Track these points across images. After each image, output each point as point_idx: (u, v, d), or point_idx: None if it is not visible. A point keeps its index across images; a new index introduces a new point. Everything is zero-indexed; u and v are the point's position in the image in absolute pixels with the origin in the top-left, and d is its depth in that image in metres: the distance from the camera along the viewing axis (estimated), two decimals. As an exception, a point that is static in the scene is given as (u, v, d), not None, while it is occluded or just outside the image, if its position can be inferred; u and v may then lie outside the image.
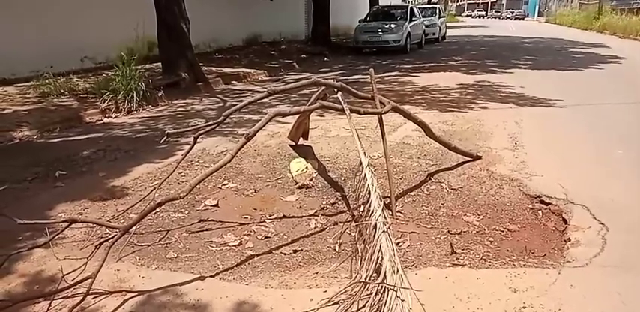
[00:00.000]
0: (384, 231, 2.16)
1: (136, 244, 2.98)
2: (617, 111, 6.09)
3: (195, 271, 2.63)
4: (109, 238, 2.31)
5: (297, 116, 4.44)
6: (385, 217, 2.26)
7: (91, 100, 7.52)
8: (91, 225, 2.96)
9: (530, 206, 3.47)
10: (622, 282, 2.37)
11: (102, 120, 6.86)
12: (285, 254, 2.89)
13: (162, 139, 2.88)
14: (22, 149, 5.31)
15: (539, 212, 3.40)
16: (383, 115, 3.72)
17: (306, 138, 4.91)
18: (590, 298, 2.25)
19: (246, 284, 2.47)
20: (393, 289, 1.90)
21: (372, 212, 2.27)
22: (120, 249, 2.83)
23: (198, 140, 4.50)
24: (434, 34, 18.36)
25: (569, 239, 2.96)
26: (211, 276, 2.56)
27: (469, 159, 4.21)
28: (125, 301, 2.28)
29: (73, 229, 3.02)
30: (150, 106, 7.67)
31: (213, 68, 11.47)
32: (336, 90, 3.52)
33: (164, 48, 9.29)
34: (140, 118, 6.86)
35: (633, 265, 2.53)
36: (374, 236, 2.17)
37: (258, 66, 11.80)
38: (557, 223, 3.25)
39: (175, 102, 8.04)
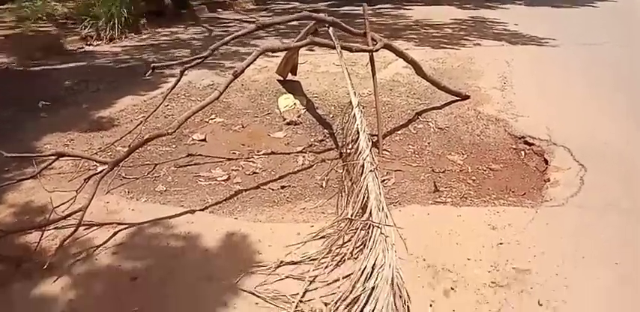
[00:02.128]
0: (371, 170, 2.20)
1: (124, 177, 3.00)
2: (610, 51, 6.01)
3: (184, 204, 2.69)
4: (98, 173, 2.32)
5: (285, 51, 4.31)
6: (373, 158, 2.28)
7: (71, 27, 7.18)
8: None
9: (514, 146, 3.54)
10: (595, 220, 2.50)
11: (83, 48, 6.61)
12: (272, 190, 2.95)
13: (148, 72, 2.80)
14: (1, 77, 5.14)
15: (522, 152, 3.47)
16: (374, 52, 3.63)
17: (294, 73, 4.81)
18: (564, 236, 2.37)
19: (235, 218, 2.54)
20: (378, 226, 1.97)
21: (360, 152, 2.30)
22: (108, 182, 2.86)
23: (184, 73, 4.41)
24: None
25: (548, 179, 3.05)
26: (201, 210, 2.62)
27: (458, 98, 4.20)
28: (116, 233, 2.35)
29: (60, 161, 3.01)
30: (132, 34, 7.36)
31: (199, -6, 10.91)
32: (327, 25, 3.38)
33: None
34: (123, 46, 6.61)
35: (607, 206, 2.65)
36: (361, 175, 2.21)
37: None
38: (539, 164, 3.33)
39: (159, 30, 7.72)
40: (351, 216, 2.16)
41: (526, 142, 3.53)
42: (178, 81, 3.07)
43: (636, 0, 11.13)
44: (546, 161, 3.30)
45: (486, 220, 2.49)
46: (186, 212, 2.56)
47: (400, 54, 3.72)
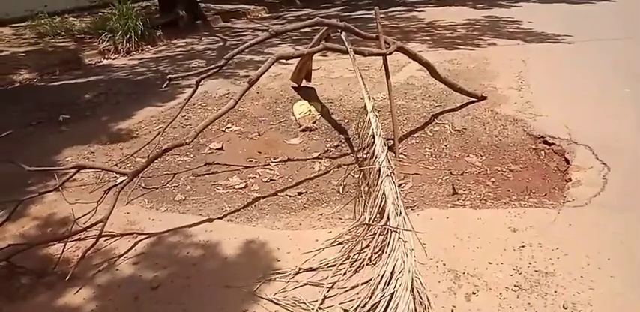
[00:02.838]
0: (387, 175, 2.19)
1: (143, 188, 3.04)
2: (627, 47, 5.89)
3: (203, 213, 2.71)
4: (118, 184, 2.35)
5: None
6: (389, 162, 2.27)
7: (89, 41, 7.35)
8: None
9: (533, 147, 3.48)
10: (619, 222, 2.43)
11: (101, 61, 6.75)
12: (290, 197, 2.95)
13: (165, 84, 2.84)
14: (23, 93, 5.28)
15: (542, 152, 3.41)
16: (387, 56, 3.62)
17: (309, 79, 4.83)
18: (588, 237, 2.32)
19: (253, 226, 2.55)
20: (396, 231, 1.96)
21: (376, 157, 2.29)
22: (128, 192, 2.90)
23: (201, 83, 4.46)
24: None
25: (570, 179, 2.99)
26: (219, 218, 2.64)
27: (474, 99, 4.15)
28: (137, 242, 2.38)
29: (81, 173, 3.07)
30: (149, 46, 7.50)
31: (212, 5, 11.04)
32: (339, 30, 3.39)
33: (160, -14, 8.92)
34: (140, 59, 6.72)
35: (631, 206, 2.58)
36: (378, 180, 2.20)
37: (257, 2, 11.31)
38: (560, 164, 3.27)
39: (174, 42, 7.84)
40: (369, 221, 2.15)
41: (545, 142, 3.47)
42: (195, 91, 3.11)
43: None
44: (567, 161, 3.24)
45: (507, 223, 2.45)
46: (204, 221, 2.58)
47: (414, 56, 3.71)
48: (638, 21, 7.70)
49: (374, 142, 2.41)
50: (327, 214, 2.66)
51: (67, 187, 2.95)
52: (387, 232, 1.99)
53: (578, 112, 3.84)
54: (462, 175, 3.24)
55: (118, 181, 2.90)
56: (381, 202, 2.14)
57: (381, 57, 3.57)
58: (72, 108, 4.50)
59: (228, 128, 4.11)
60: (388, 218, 2.03)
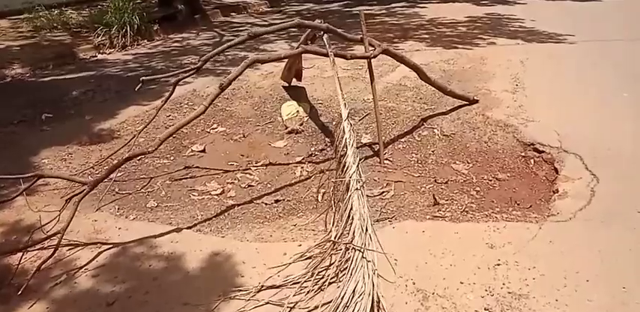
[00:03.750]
0: (357, 188, 2.09)
1: (117, 192, 2.97)
2: (631, 49, 5.72)
3: (173, 222, 2.63)
4: (78, 194, 2.27)
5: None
6: (360, 175, 2.18)
7: (85, 35, 7.27)
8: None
9: (523, 154, 3.37)
10: (603, 238, 2.33)
11: (96, 56, 6.67)
12: (266, 204, 2.87)
13: (138, 86, 2.75)
14: (12, 88, 5.21)
15: (531, 161, 3.30)
16: (378, 56, 3.51)
17: (299, 79, 4.72)
18: (568, 255, 2.22)
19: (222, 237, 2.47)
20: (360, 250, 1.87)
21: (347, 168, 2.19)
22: (100, 198, 2.83)
23: (188, 80, 4.37)
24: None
25: (557, 190, 2.88)
26: (188, 227, 2.56)
27: (465, 103, 4.03)
28: (100, 253, 2.31)
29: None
30: (145, 40, 7.40)
31: (212, -1, 10.93)
32: (321, 32, 3.28)
33: (158, -22, 8.80)
34: (134, 54, 6.64)
35: (616, 221, 2.47)
36: (347, 193, 2.10)
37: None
38: (549, 173, 3.16)
39: (171, 36, 7.74)
40: (335, 238, 2.06)
41: (535, 150, 3.36)
42: (172, 93, 3.04)
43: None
44: (556, 170, 3.12)
45: (485, 238, 2.35)
46: (172, 231, 2.50)
47: (401, 59, 3.59)
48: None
49: (346, 153, 2.31)
50: (301, 225, 2.58)
51: (39, 191, 2.88)
52: (352, 251, 1.91)
53: (573, 118, 3.71)
54: (446, 183, 3.14)
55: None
56: (348, 217, 2.05)
57: (366, 60, 3.44)
58: (57, 105, 4.42)
59: (213, 129, 4.02)
60: (353, 235, 1.94)
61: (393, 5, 9.54)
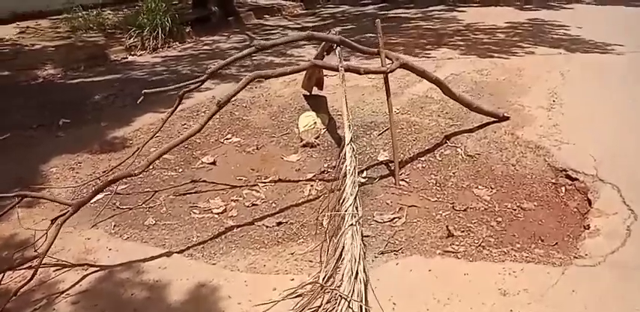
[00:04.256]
0: (351, 224, 1.90)
1: (118, 207, 2.88)
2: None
3: (166, 243, 2.51)
4: (62, 215, 2.18)
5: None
6: (356, 208, 1.98)
7: (118, 37, 7.33)
8: (72, 186, 2.86)
9: (553, 181, 3.08)
10: (634, 289, 2.05)
11: (127, 58, 6.70)
12: (267, 227, 2.72)
13: (139, 99, 2.65)
14: (40, 90, 5.26)
15: (562, 189, 3.01)
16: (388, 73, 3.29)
17: (320, 87, 4.55)
18: (593, 308, 1.95)
19: (213, 264, 2.33)
20: (346, 299, 1.68)
21: (344, 201, 2.00)
22: (99, 212, 2.74)
23: (208, 86, 4.24)
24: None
25: (588, 226, 2.60)
26: (180, 251, 2.44)
27: (494, 120, 3.75)
28: (85, 276, 2.21)
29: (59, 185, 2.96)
30: (177, 43, 7.40)
31: (249, 0, 10.89)
32: (334, 45, 3.09)
33: (193, -19, 8.82)
34: (163, 56, 6.63)
35: (655, 267, 2.18)
36: (340, 229, 1.92)
37: (296, -3, 11.03)
38: (581, 204, 2.87)
39: (203, 39, 7.71)
40: (324, 279, 1.88)
41: (568, 177, 3.07)
42: (177, 107, 2.94)
43: None
44: (590, 202, 2.83)
45: (498, 282, 2.11)
46: (163, 254, 2.38)
47: (422, 74, 3.36)
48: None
49: (345, 182, 2.12)
50: (299, 254, 2.41)
51: (40, 203, 2.82)
52: (338, 297, 1.72)
53: (613, 142, 3.37)
54: (465, 210, 2.90)
55: (93, 200, 2.74)
56: (340, 257, 1.86)
57: (382, 75, 3.22)
58: (78, 109, 4.42)
59: (227, 139, 3.91)
60: (342, 280, 1.76)
61: (431, 8, 9.23)
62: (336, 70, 2.90)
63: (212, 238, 2.58)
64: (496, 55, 5.67)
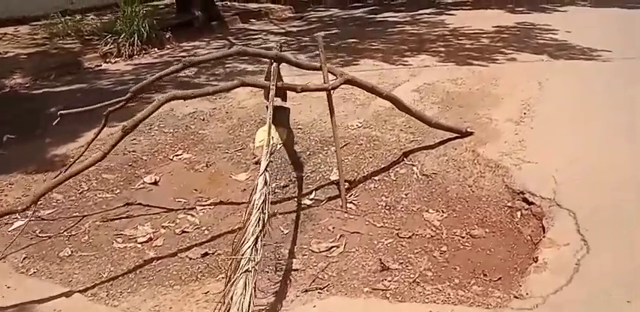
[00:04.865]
0: (246, 270, 1.70)
1: (37, 235, 2.70)
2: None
3: (74, 280, 2.33)
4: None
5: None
6: (255, 251, 1.77)
7: (95, 43, 7.17)
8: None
9: (509, 204, 2.86)
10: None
11: (101, 65, 6.55)
12: (190, 259, 2.53)
13: (55, 121, 2.48)
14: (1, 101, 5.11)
15: (518, 213, 2.79)
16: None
17: (284, 98, 4.34)
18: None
19: (115, 306, 2.14)
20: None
21: (244, 242, 1.79)
22: (12, 241, 2.56)
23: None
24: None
25: (536, 258, 2.37)
26: (84, 290, 2.25)
27: (457, 135, 3.53)
28: (-30, 320, 2.03)
29: None
30: (155, 49, 7.23)
31: (237, 3, 10.72)
32: (272, 60, 2.89)
33: (177, -15, 8.66)
34: (137, 64, 6.47)
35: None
36: (235, 274, 1.72)
37: (285, 0, 10.82)
38: (535, 232, 2.64)
39: (183, 44, 7.53)
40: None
41: (525, 200, 2.84)
42: (102, 128, 2.75)
43: None
44: (544, 229, 2.60)
45: (419, 329, 1.90)
46: (63, 294, 2.19)
47: (371, 90, 3.16)
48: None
49: (249, 218, 1.91)
50: (213, 294, 2.21)
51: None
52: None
53: (579, 161, 3.13)
54: (409, 238, 2.69)
55: (15, 225, 2.58)
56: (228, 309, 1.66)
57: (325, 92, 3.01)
58: (30, 123, 4.25)
59: (177, 156, 3.73)
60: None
61: (421, 12, 8.97)
62: (267, 88, 2.69)
63: (125, 273, 2.39)
64: (476, 62, 5.44)
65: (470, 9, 9.02)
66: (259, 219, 1.87)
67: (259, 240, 1.80)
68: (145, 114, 2.37)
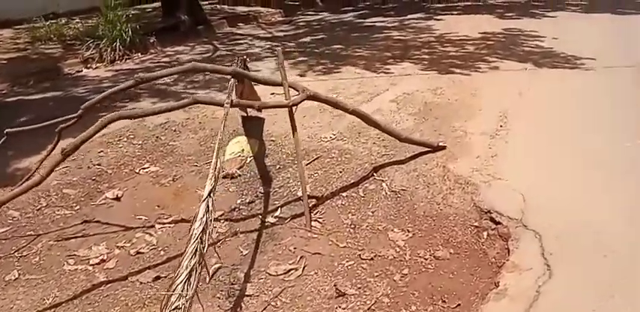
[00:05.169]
0: (176, 308, 1.61)
1: (-14, 257, 2.61)
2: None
3: (15, 307, 2.24)
4: None
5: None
6: (189, 286, 1.68)
7: (77, 48, 7.07)
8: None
9: (477, 224, 2.77)
10: None
11: (81, 71, 6.45)
12: (141, 283, 2.44)
13: (1, 141, 2.39)
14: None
15: (484, 234, 2.70)
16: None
17: (259, 109, 4.25)
18: None
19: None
20: None
21: (178, 275, 1.71)
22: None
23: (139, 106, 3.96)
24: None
25: (498, 284, 2.29)
26: (22, 318, 2.16)
27: (429, 149, 3.45)
28: None
29: None
30: (139, 54, 7.13)
31: (226, 7, 10.64)
32: (229, 77, 2.80)
33: (163, -12, 8.56)
34: (117, 70, 6.38)
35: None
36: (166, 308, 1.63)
37: (277, 3, 10.72)
38: (500, 253, 2.56)
39: (167, 49, 7.43)
40: None
41: (492, 219, 2.76)
42: (55, 145, 2.65)
43: None
44: (509, 251, 2.52)
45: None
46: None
47: (335, 105, 3.08)
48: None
49: (186, 250, 1.82)
50: (157, 323, 2.12)
51: None
52: None
53: (551, 178, 3.06)
54: (371, 259, 2.60)
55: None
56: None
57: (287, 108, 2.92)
58: (-1, 134, 4.14)
59: (144, 169, 3.64)
60: None
61: (409, 17, 8.91)
62: (221, 105, 2.60)
63: (70, 299, 2.30)
64: (458, 70, 5.37)
65: (459, 14, 8.96)
66: (196, 250, 1.78)
67: (194, 273, 1.71)
68: (87, 135, 2.29)
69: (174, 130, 4.14)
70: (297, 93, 2.86)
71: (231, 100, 2.58)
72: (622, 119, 3.85)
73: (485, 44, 6.50)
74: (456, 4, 10.02)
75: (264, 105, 2.88)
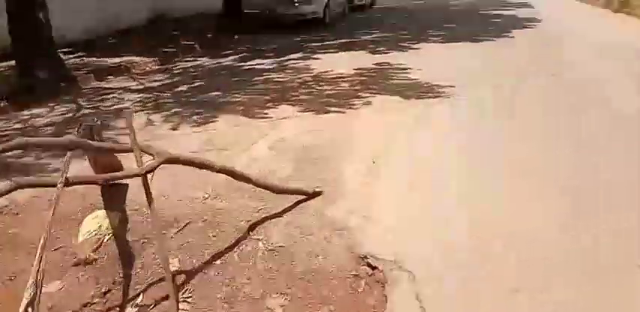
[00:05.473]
0: None
1: None
2: (513, 97, 5.30)
3: None
4: None
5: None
6: None
7: None
8: None
9: (354, 272, 2.62)
10: None
11: None
12: None
13: None
14: None
15: (362, 282, 2.55)
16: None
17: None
18: None
19: None
20: None
21: None
22: None
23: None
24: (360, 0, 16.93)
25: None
26: None
27: (306, 196, 3.29)
28: None
29: None
30: (-15, 120, 6.31)
31: (95, 58, 10.01)
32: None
33: (16, 45, 7.83)
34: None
35: None
36: None
37: (152, 51, 10.28)
38: (379, 301, 2.41)
39: (22, 113, 6.59)
40: None
41: (369, 265, 2.62)
42: None
43: (563, 24, 10.71)
44: (386, 298, 2.38)
45: None
46: None
47: (200, 166, 2.82)
48: (529, 60, 7.24)
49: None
50: None
51: None
52: None
53: (421, 217, 3.01)
54: (246, 336, 2.32)
55: None
56: None
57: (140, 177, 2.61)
58: None
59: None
60: None
61: (289, 57, 8.96)
62: (53, 186, 2.24)
63: None
64: (334, 109, 5.38)
65: (335, 52, 9.17)
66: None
67: None
68: None
69: (17, 214, 3.57)
70: (152, 157, 2.57)
71: (66, 179, 2.22)
72: (483, 144, 4.03)
73: (359, 80, 6.66)
74: (333, 42, 10.32)
75: (112, 178, 2.54)
